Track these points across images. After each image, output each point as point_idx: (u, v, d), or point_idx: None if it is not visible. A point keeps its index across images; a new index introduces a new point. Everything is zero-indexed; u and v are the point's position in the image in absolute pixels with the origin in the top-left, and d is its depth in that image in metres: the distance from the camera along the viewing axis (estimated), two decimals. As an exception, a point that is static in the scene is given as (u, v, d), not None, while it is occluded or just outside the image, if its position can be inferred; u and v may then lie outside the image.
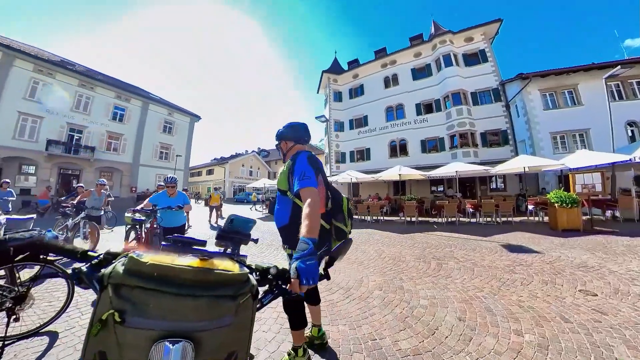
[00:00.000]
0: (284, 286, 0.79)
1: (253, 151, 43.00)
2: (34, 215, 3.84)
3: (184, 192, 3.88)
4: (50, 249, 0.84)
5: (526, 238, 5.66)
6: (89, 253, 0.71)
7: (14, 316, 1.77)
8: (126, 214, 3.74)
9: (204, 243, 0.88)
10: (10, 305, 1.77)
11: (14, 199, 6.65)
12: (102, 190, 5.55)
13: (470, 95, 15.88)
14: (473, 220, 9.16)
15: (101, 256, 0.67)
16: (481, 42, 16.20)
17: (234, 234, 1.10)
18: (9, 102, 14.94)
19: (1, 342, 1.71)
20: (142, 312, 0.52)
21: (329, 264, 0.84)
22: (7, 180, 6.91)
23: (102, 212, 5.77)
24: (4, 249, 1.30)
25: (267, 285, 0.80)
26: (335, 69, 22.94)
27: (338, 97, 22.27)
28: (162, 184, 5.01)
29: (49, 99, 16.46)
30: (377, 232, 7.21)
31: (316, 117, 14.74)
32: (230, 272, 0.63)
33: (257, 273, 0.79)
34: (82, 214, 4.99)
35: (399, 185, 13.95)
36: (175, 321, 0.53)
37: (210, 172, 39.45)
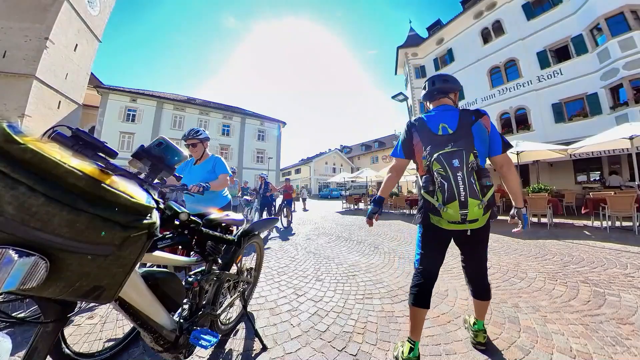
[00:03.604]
0: (189, 237, 0.85)
1: (335, 149, 44.26)
2: None
3: (220, 157, 2.22)
4: None
5: None
6: None
7: None
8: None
9: (113, 154, 0.66)
10: None
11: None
12: (235, 179, 5.65)
13: (650, 13, 9.60)
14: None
15: None
16: None
17: (155, 160, 0.88)
18: (163, 133, 22.14)
19: None
20: None
21: None
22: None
23: (238, 202, 5.66)
24: None
25: (171, 230, 0.83)
26: (412, 41, 19.73)
27: (420, 72, 19.05)
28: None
29: (184, 126, 23.44)
30: (478, 234, 5.24)
31: (392, 97, 12.63)
32: (131, 198, 0.54)
33: (165, 212, 0.76)
34: None
35: (518, 172, 9.76)
36: (36, 230, 0.42)
37: (298, 172, 43.53)
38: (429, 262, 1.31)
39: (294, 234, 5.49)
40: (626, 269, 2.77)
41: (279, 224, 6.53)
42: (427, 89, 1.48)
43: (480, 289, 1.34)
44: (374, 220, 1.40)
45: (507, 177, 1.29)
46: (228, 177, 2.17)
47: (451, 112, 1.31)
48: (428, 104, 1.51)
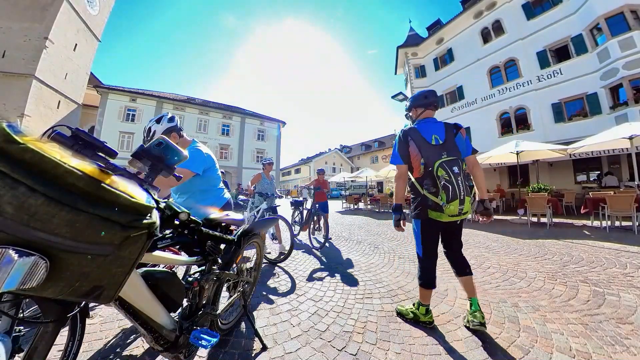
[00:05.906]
0: (189, 237, 0.88)
1: (335, 148, 44.22)
2: None
3: (194, 149, 1.69)
4: None
5: None
6: None
7: None
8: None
9: (113, 154, 0.65)
10: None
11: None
12: (270, 174, 4.00)
13: (650, 13, 9.57)
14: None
15: None
16: None
17: (155, 160, 0.84)
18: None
19: None
20: None
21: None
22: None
23: (271, 205, 3.88)
24: None
25: (170, 230, 0.85)
26: (412, 40, 19.72)
27: (420, 72, 19.04)
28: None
29: (184, 126, 24.77)
30: (481, 233, 5.20)
31: (392, 96, 12.65)
32: (131, 198, 0.53)
33: (165, 212, 0.77)
34: (264, 205, 3.55)
35: (518, 172, 9.72)
36: (36, 230, 0.42)
37: (297, 171, 43.56)
38: (431, 249, 1.61)
39: (295, 234, 5.47)
40: (625, 269, 2.77)
41: (310, 243, 4.20)
42: (420, 101, 1.71)
43: (464, 266, 1.63)
44: (402, 225, 1.63)
45: (475, 173, 1.62)
46: (192, 173, 1.58)
47: (438, 125, 1.61)
48: (417, 111, 1.74)
